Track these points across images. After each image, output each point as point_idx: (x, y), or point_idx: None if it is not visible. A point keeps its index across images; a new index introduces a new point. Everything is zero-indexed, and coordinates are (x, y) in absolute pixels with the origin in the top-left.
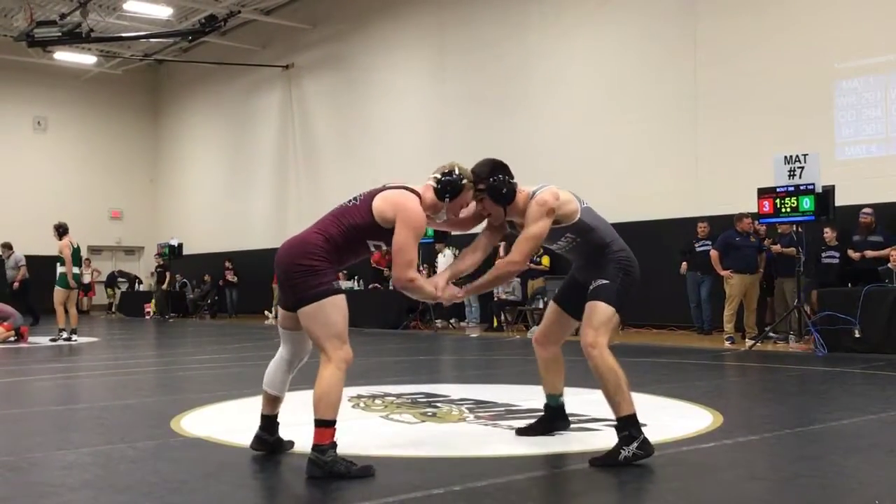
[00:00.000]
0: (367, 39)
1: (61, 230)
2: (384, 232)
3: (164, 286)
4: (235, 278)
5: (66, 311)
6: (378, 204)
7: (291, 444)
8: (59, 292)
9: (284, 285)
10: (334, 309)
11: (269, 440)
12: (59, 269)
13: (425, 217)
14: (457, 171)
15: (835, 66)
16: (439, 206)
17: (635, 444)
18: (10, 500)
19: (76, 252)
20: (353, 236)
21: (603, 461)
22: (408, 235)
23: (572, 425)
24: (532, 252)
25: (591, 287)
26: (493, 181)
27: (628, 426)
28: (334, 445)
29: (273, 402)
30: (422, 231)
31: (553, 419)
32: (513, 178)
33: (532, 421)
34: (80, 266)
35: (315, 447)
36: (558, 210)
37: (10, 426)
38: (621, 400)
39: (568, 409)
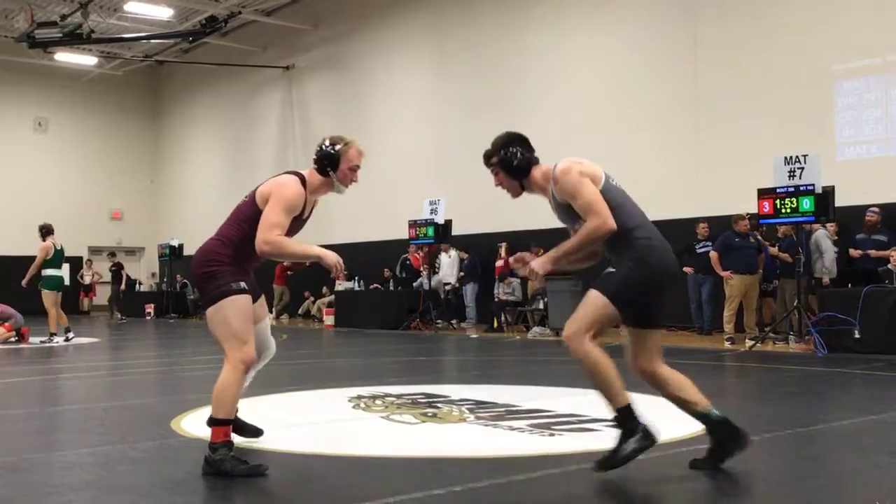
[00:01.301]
0: (368, 40)
1: (44, 231)
2: None
3: (122, 286)
4: None
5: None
6: (260, 190)
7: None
8: (47, 295)
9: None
10: (231, 310)
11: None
12: (46, 272)
13: (298, 193)
14: (326, 143)
15: (834, 67)
16: (329, 181)
17: (634, 439)
18: (11, 501)
19: (59, 253)
20: (248, 230)
21: (607, 463)
22: (273, 205)
23: (572, 425)
24: (606, 208)
25: None
26: (505, 153)
27: (624, 420)
28: (227, 444)
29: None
30: (290, 203)
31: (721, 439)
32: (531, 150)
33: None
34: (59, 267)
35: (209, 445)
36: (588, 172)
37: (10, 426)
38: (613, 394)
39: (568, 410)
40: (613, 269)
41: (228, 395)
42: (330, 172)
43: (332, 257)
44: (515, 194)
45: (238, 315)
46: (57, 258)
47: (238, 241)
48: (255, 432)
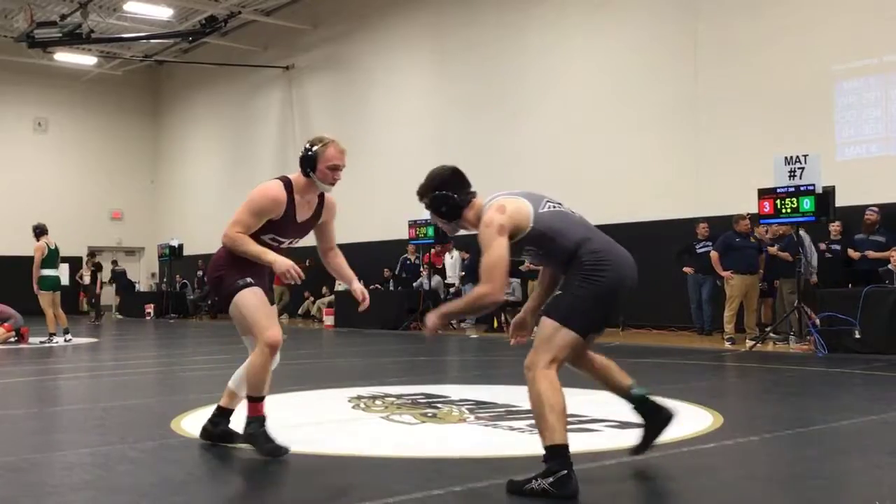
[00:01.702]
0: (368, 40)
1: (38, 231)
2: (264, 223)
3: (98, 287)
4: None
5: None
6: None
7: (239, 436)
8: (43, 295)
9: None
10: (242, 305)
11: (211, 430)
12: (42, 272)
13: (270, 196)
14: (306, 144)
15: (834, 67)
16: (310, 182)
17: (550, 479)
18: (11, 501)
19: (54, 253)
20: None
21: (514, 487)
22: (242, 205)
23: (572, 426)
24: (503, 277)
25: None
26: (433, 198)
27: (551, 457)
28: (258, 419)
29: (230, 396)
30: (260, 203)
31: (647, 417)
32: (465, 187)
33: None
34: (55, 266)
35: (245, 419)
36: (509, 224)
37: (10, 426)
38: (544, 428)
39: (567, 409)
40: (560, 292)
41: (259, 376)
42: (310, 173)
43: (282, 264)
44: (452, 232)
45: (250, 307)
46: (51, 258)
47: None
48: (228, 436)
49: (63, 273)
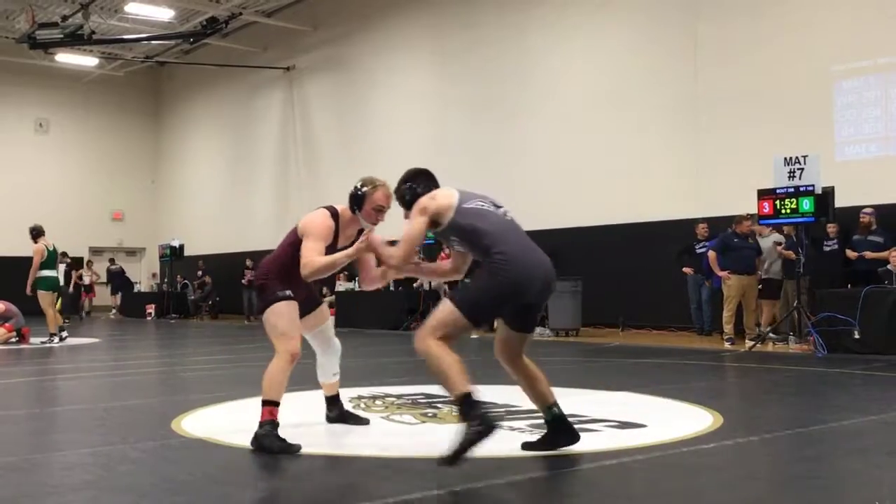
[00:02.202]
0: (368, 41)
1: (35, 233)
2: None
3: (71, 289)
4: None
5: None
6: (301, 223)
7: (367, 420)
8: (43, 295)
9: None
10: (274, 315)
11: (330, 416)
12: (41, 273)
13: (329, 222)
14: (358, 183)
15: (834, 67)
16: (354, 218)
17: (474, 427)
18: (12, 501)
19: (53, 254)
20: (291, 252)
21: (448, 457)
22: (306, 241)
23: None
24: (408, 253)
25: None
26: (400, 190)
27: (463, 408)
28: (271, 423)
29: (328, 387)
30: (322, 231)
31: (556, 432)
32: (430, 183)
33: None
34: (53, 267)
35: (259, 423)
36: (432, 208)
37: (11, 427)
38: (447, 384)
39: (567, 410)
40: (468, 281)
41: (275, 380)
42: (356, 211)
43: (358, 248)
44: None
45: (281, 318)
46: (51, 259)
47: (284, 259)
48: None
49: (60, 274)
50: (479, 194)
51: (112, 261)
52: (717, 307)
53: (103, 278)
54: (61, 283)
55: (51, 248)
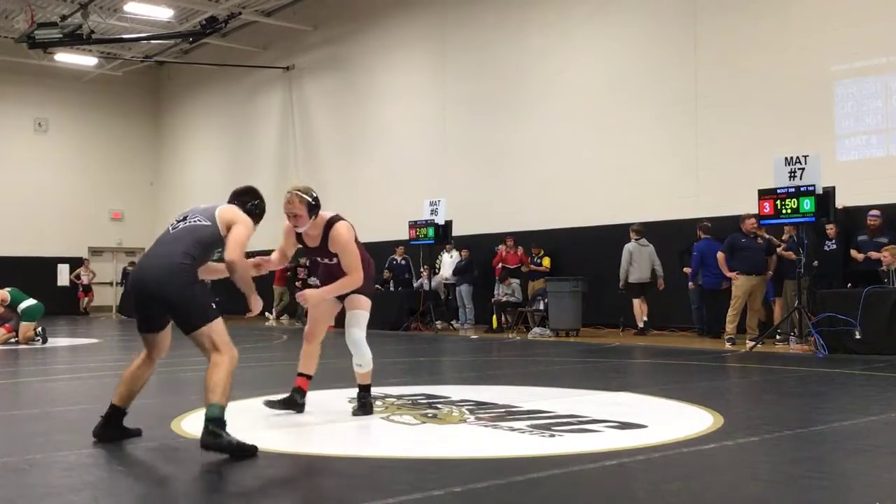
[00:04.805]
0: (368, 41)
1: None
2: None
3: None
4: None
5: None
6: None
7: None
8: (27, 326)
9: None
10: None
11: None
12: (22, 307)
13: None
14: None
15: (834, 67)
16: (314, 222)
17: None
18: (12, 502)
19: (16, 292)
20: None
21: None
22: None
23: (572, 426)
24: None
25: None
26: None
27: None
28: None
29: (361, 376)
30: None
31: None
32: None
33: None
34: (30, 297)
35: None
36: None
37: (10, 427)
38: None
39: (568, 410)
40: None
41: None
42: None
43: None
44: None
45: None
46: (18, 296)
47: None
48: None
49: (63, 274)
50: (195, 209)
51: (132, 264)
52: (709, 308)
53: (103, 278)
54: (62, 283)
55: (11, 290)
